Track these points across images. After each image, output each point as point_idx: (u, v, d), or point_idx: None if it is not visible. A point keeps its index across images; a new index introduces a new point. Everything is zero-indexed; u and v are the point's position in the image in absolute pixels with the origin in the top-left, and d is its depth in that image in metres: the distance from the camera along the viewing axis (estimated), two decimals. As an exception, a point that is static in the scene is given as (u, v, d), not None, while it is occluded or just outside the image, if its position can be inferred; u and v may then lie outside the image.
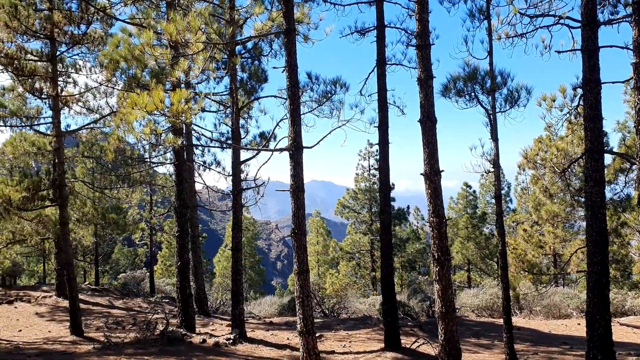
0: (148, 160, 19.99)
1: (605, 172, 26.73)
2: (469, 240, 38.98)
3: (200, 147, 18.67)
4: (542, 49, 12.42)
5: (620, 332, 17.16)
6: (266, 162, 11.99)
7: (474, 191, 40.04)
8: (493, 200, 43.06)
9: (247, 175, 16.28)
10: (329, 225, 52.03)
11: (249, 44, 15.21)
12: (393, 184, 35.12)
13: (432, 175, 8.55)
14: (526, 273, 28.71)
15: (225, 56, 15.05)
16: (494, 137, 11.88)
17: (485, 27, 12.31)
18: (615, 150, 17.90)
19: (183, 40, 7.83)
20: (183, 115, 8.96)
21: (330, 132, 9.53)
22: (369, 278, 36.54)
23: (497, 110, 12.27)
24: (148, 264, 32.97)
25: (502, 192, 42.37)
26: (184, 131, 16.38)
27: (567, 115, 12.87)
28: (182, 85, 17.05)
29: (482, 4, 11.94)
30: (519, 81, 12.60)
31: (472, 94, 12.57)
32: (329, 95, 13.57)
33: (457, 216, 41.46)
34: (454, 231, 40.49)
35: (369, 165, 34.49)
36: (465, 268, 40.31)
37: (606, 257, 11.21)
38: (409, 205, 36.79)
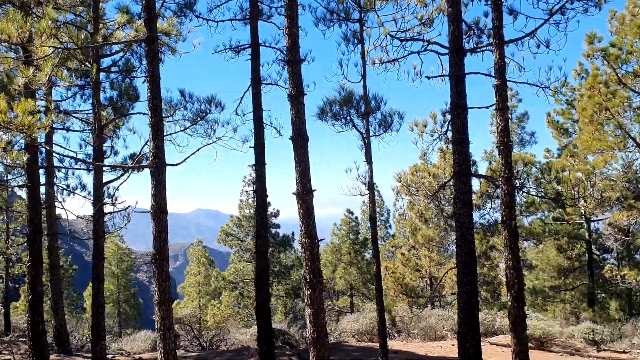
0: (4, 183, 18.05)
1: (475, 197, 28.21)
2: (351, 266, 39.43)
3: (63, 170, 17.14)
4: (413, 75, 12.74)
5: (490, 351, 17.81)
6: (124, 181, 11.12)
7: (356, 217, 40.75)
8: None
9: (115, 199, 15.06)
10: (213, 255, 50.50)
11: (117, 57, 14.26)
12: (277, 210, 34.84)
13: (304, 194, 8.24)
14: (404, 296, 29.40)
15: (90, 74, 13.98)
16: (369, 160, 11.90)
17: (359, 51, 12.43)
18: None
19: (26, 43, 6.96)
20: (31, 128, 7.97)
21: (199, 149, 8.96)
22: (252, 308, 35.66)
23: (371, 134, 12.37)
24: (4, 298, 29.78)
25: (382, 218, 43.61)
26: (40, 150, 14.93)
27: (437, 140, 13.25)
28: (42, 102, 15.62)
29: (356, 28, 12.05)
30: (392, 106, 12.85)
31: (348, 117, 12.60)
32: (204, 114, 12.98)
33: (340, 242, 41.95)
34: (337, 257, 40.85)
35: (254, 191, 33.95)
36: (348, 293, 40.68)
37: (475, 277, 11.48)
38: (293, 232, 36.61)
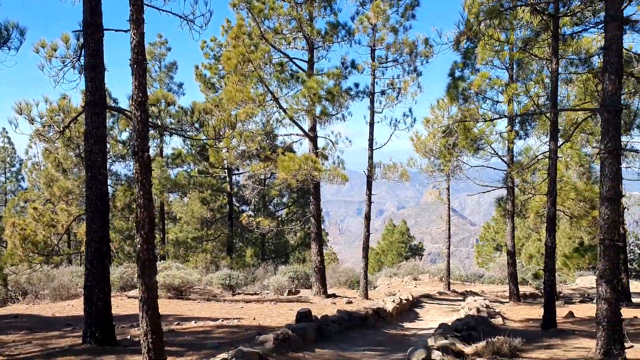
0: None
1: (120, 147, 26.39)
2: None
3: None
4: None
5: (127, 304, 16.90)
6: None
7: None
8: None
9: None
10: None
11: None
12: None
13: None
14: (36, 255, 26.11)
15: None
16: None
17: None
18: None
19: None
20: None
21: None
22: None
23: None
24: None
25: (13, 168, 38.07)
26: None
27: (70, 67, 11.36)
28: None
29: None
30: (9, 18, 10.38)
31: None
32: None
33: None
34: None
35: None
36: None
37: (107, 223, 10.28)
38: None
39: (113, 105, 21.72)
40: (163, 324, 13.49)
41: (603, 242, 7.59)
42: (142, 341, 7.17)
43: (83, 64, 10.27)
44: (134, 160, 7.01)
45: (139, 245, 7.12)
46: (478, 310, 14.14)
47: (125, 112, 10.33)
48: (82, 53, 10.45)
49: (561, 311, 16.91)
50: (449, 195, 24.72)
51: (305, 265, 30.54)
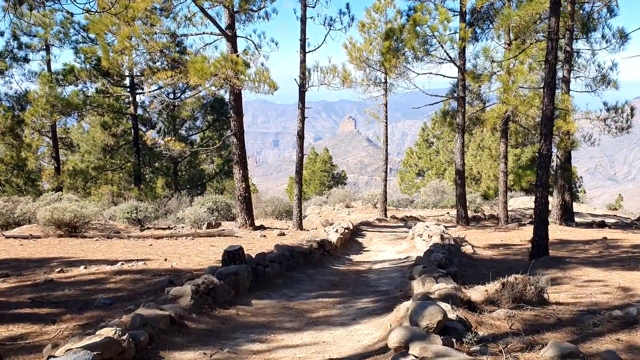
0: None
1: None
2: None
3: None
4: None
5: (11, 247, 13.18)
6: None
7: None
8: None
9: None
10: None
11: None
12: None
13: None
14: None
15: None
16: None
17: None
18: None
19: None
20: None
21: None
22: None
23: None
24: None
25: None
26: None
27: None
28: None
29: None
30: None
31: None
32: None
33: None
34: None
35: None
36: None
37: None
38: None
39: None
40: (41, 271, 10.07)
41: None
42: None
43: None
44: None
45: None
46: (442, 237, 11.75)
47: None
48: None
49: (522, 234, 15.05)
50: (386, 112, 22.03)
51: (225, 195, 27.42)
